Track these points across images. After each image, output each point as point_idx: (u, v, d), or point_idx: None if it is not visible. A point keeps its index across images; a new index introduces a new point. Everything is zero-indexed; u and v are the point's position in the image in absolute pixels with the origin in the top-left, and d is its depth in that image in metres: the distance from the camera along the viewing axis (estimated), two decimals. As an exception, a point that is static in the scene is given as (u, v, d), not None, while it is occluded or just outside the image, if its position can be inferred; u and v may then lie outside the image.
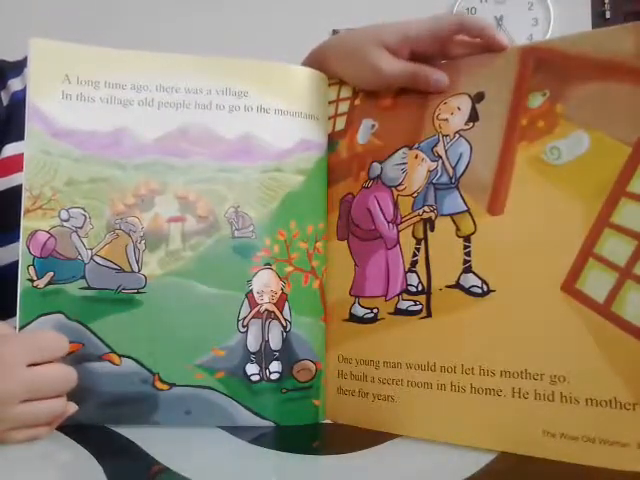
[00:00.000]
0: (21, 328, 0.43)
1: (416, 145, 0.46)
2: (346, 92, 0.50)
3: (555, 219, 0.40)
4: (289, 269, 0.47)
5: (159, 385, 0.45)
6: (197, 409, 0.45)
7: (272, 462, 0.40)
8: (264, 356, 0.46)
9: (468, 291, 0.42)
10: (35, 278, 0.44)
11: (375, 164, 0.48)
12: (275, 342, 0.46)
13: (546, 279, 0.39)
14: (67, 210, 0.45)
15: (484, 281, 0.42)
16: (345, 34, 0.53)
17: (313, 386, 0.47)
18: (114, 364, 0.44)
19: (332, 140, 0.50)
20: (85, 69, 0.46)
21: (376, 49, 0.47)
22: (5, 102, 0.64)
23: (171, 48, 0.47)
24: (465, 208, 0.43)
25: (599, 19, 1.69)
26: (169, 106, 0.47)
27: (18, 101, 0.64)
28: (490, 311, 0.41)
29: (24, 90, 0.52)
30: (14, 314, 0.43)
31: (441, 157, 0.45)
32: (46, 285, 0.44)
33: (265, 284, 0.46)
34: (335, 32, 1.66)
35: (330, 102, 0.51)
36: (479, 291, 0.42)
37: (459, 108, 0.45)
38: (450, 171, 0.44)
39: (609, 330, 0.37)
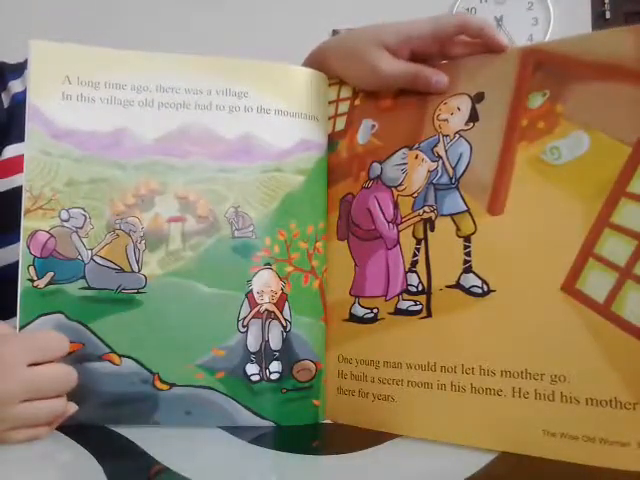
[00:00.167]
0: (21, 328, 0.43)
1: (416, 145, 0.46)
2: (346, 92, 0.50)
3: (555, 219, 0.40)
4: (289, 269, 0.47)
5: (159, 385, 0.45)
6: (197, 409, 0.45)
7: (272, 462, 0.40)
8: (264, 356, 0.46)
9: (468, 291, 0.42)
10: (35, 278, 0.44)
11: (375, 164, 0.48)
12: (275, 342, 0.46)
13: (546, 279, 0.39)
14: (67, 210, 0.45)
15: (484, 281, 0.42)
16: (345, 34, 0.53)
17: (313, 386, 0.47)
18: (114, 364, 0.44)
19: (332, 140, 0.50)
20: (85, 70, 0.46)
21: (376, 49, 0.47)
22: (6, 104, 0.64)
23: (171, 48, 0.47)
24: (465, 208, 0.43)
25: (599, 19, 1.69)
26: (169, 106, 0.47)
27: (19, 103, 0.64)
28: (490, 311, 0.41)
29: (25, 92, 0.52)
30: (14, 314, 0.43)
31: (441, 157, 0.45)
32: (46, 285, 0.44)
33: (265, 284, 0.46)
34: (335, 32, 1.66)
35: (330, 102, 0.51)
36: (479, 291, 0.42)
37: (459, 108, 0.45)
38: (450, 171, 0.44)
39: (609, 330, 0.37)
